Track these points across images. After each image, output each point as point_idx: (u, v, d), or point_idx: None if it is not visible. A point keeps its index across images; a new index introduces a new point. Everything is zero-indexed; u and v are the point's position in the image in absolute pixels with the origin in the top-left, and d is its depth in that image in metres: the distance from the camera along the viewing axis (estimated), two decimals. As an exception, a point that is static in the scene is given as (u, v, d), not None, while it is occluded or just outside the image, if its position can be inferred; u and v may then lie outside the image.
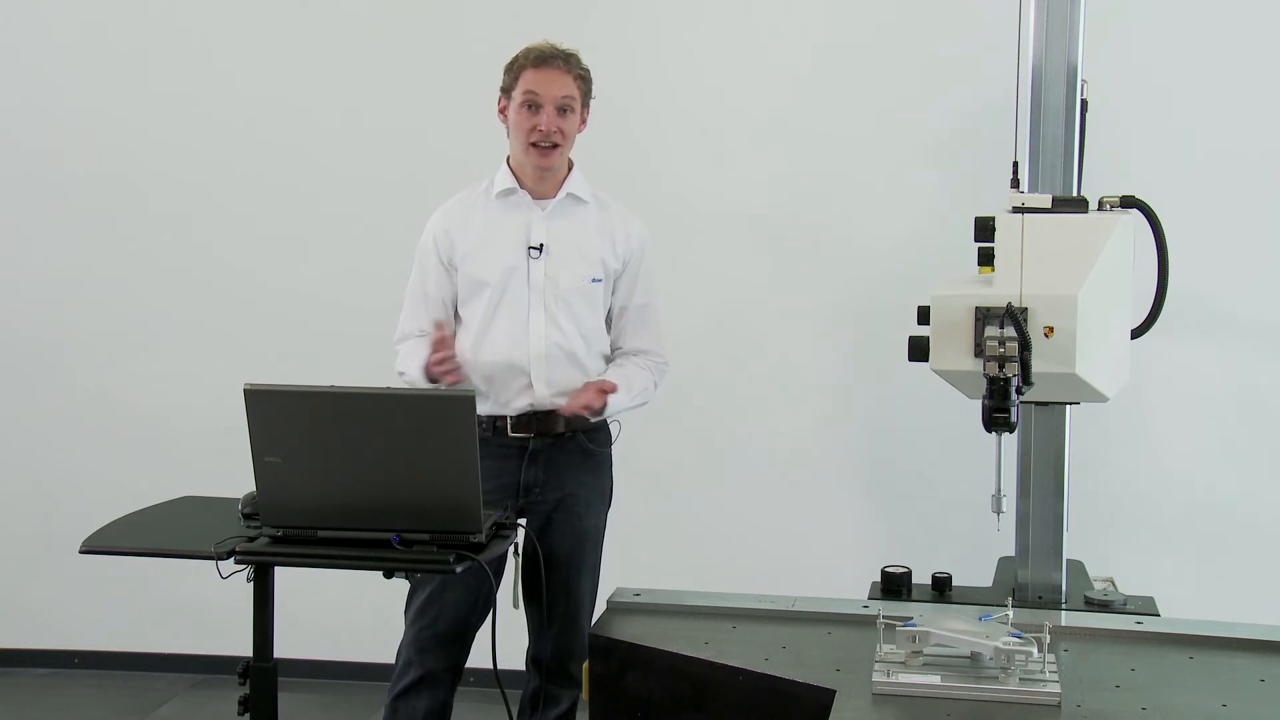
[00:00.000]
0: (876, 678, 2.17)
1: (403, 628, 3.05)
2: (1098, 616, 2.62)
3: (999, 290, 2.42)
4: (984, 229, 2.53)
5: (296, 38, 4.22)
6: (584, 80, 3.01)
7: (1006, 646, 2.14)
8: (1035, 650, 2.15)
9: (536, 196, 3.03)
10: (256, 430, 2.38)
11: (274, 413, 2.39)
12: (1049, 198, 2.50)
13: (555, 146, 2.96)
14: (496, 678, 2.87)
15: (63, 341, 4.41)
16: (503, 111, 3.04)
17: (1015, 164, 2.68)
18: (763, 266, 4.00)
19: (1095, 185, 2.70)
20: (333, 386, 2.42)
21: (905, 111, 3.86)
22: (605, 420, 3.09)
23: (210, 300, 4.32)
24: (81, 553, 2.51)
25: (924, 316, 2.52)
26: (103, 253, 4.36)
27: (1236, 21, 3.67)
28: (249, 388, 2.37)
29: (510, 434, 2.98)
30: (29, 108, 4.37)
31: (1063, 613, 2.66)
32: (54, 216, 4.39)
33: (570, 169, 3.07)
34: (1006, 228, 2.46)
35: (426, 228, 3.10)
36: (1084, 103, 2.79)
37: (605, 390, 2.93)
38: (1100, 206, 2.55)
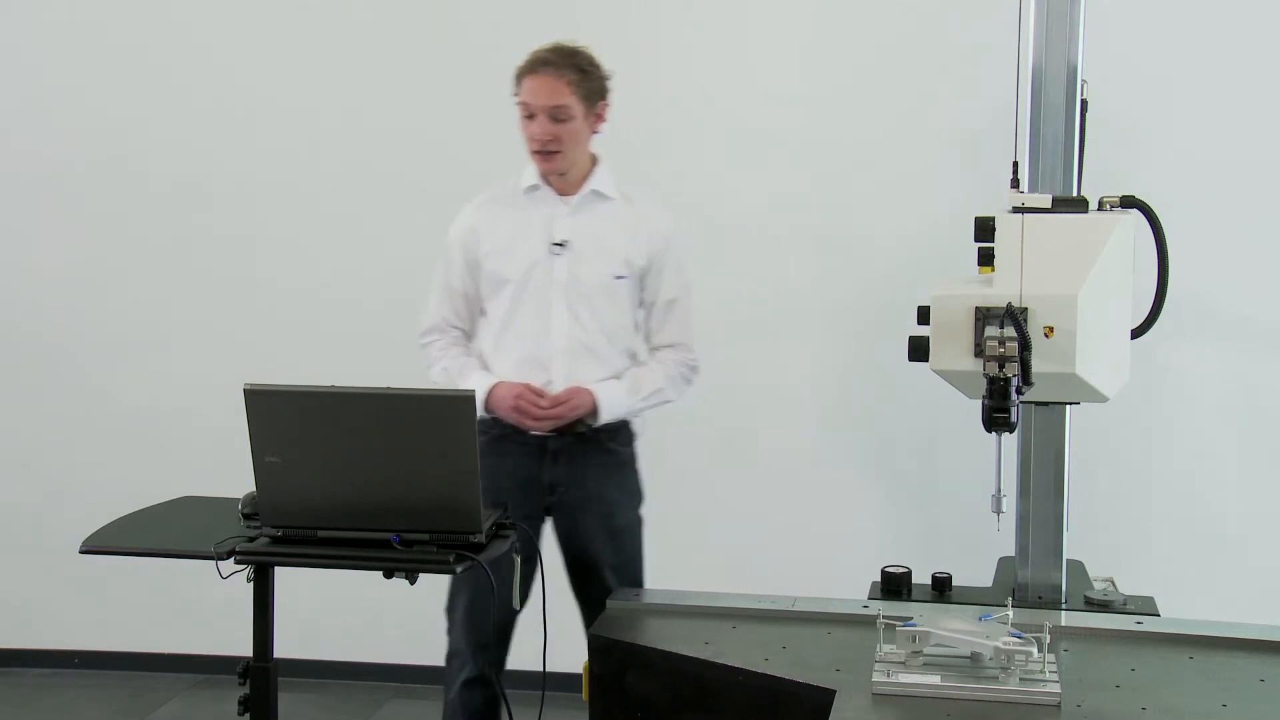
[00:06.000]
0: (876, 678, 2.17)
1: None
2: (1098, 616, 2.62)
3: (999, 290, 2.42)
4: (984, 229, 2.53)
5: (297, 36, 4.22)
6: (583, 81, 2.93)
7: (1006, 646, 2.14)
8: (1035, 650, 2.15)
9: (561, 192, 3.02)
10: (256, 430, 2.38)
11: (274, 413, 2.38)
12: (1049, 198, 2.49)
13: (556, 153, 2.94)
14: (496, 678, 2.87)
15: (62, 341, 4.40)
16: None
17: (1015, 164, 2.67)
18: (762, 267, 3.99)
19: (1095, 185, 2.69)
20: (333, 386, 2.42)
21: (905, 112, 3.86)
22: (626, 420, 3.07)
23: (210, 300, 4.32)
24: (81, 553, 2.51)
25: (924, 316, 2.51)
26: (102, 253, 4.36)
27: (1236, 21, 3.67)
28: (249, 388, 2.37)
29: (531, 431, 2.97)
30: (28, 106, 4.36)
31: (1063, 613, 2.66)
32: (53, 216, 4.38)
33: (595, 164, 3.04)
34: (1006, 228, 2.45)
35: (456, 221, 3.09)
36: (1084, 103, 2.78)
37: (560, 403, 2.89)
38: (1100, 206, 2.55)
